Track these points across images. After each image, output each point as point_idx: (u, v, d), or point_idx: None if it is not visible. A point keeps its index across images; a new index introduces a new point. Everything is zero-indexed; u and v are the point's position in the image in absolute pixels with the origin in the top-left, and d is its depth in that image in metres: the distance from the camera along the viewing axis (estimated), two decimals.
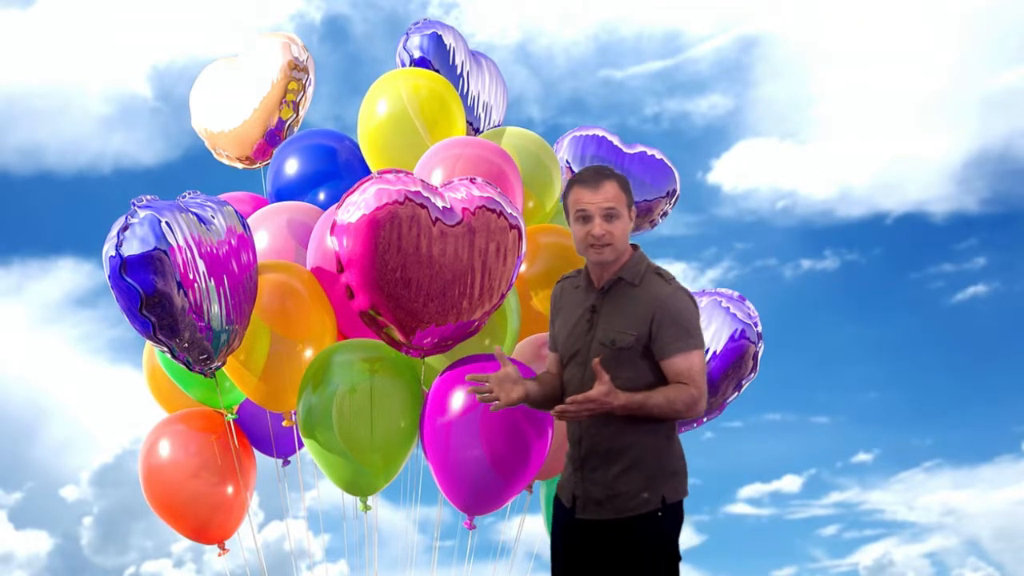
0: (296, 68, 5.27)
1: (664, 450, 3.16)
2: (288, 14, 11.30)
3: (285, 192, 4.98)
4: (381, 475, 4.32)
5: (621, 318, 3.16)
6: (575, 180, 3.21)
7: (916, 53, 11.21)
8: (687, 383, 3.08)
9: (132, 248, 3.75)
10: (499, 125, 5.33)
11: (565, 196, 3.23)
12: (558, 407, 3.09)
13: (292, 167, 5.00)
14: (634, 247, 3.25)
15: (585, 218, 3.16)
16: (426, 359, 4.26)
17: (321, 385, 4.25)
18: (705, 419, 4.56)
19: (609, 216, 3.14)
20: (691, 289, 4.53)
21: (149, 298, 3.76)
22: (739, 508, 10.83)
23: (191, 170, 10.15)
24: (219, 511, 4.67)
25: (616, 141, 5.36)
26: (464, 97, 5.11)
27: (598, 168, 3.24)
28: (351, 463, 4.25)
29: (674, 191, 5.40)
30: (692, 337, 3.12)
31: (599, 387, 3.03)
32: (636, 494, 3.13)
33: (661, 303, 3.13)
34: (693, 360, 3.10)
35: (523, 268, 4.37)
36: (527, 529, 4.76)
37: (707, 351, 4.40)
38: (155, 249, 3.76)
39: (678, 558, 3.18)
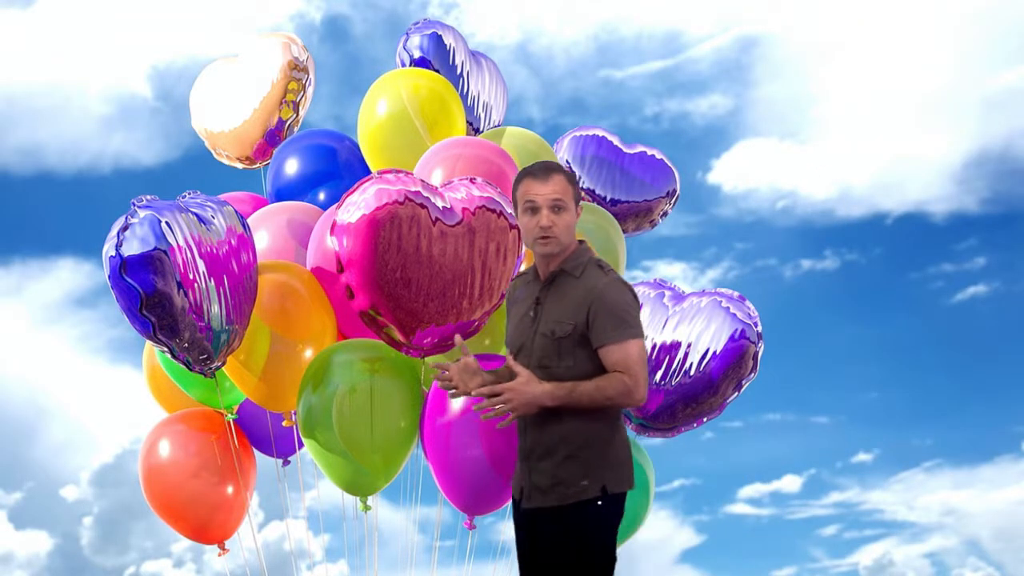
0: (296, 68, 5.27)
1: (608, 440, 3.18)
2: (288, 14, 11.31)
3: (285, 192, 4.98)
4: (381, 475, 4.32)
5: (561, 308, 3.20)
6: (525, 173, 3.27)
7: (916, 53, 11.22)
8: (622, 371, 3.11)
9: (132, 248, 3.75)
10: (499, 125, 5.33)
11: (515, 189, 3.28)
12: (475, 406, 3.15)
13: (292, 167, 5.00)
14: (580, 241, 3.30)
15: (533, 209, 3.20)
16: (426, 359, 4.26)
17: (321, 385, 4.25)
18: (705, 419, 4.56)
19: (556, 208, 3.19)
20: (691, 289, 4.52)
21: (149, 298, 3.76)
22: (739, 508, 10.83)
23: (191, 170, 10.16)
24: (219, 511, 4.67)
25: (616, 141, 5.35)
26: (464, 97, 5.11)
27: (547, 162, 3.30)
28: (351, 463, 4.25)
29: (674, 191, 5.40)
30: (630, 327, 3.15)
31: (518, 379, 3.09)
32: (576, 482, 3.15)
33: (597, 293, 3.17)
34: (629, 349, 3.13)
35: (523, 268, 4.37)
36: None
37: (707, 351, 4.41)
38: (155, 249, 3.76)
39: (613, 555, 3.18)
